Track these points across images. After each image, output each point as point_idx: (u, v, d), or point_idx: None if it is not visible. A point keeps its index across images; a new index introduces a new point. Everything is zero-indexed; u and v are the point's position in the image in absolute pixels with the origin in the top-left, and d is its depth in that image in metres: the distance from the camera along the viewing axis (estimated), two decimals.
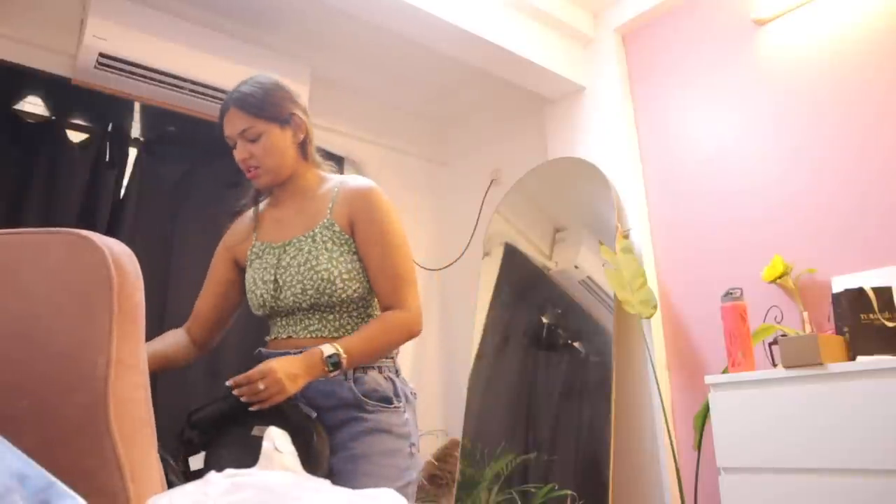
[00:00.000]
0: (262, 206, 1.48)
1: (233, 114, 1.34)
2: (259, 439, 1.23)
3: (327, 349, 1.23)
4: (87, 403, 0.61)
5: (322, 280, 1.29)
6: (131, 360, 0.65)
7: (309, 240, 1.34)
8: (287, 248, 1.36)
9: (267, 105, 1.34)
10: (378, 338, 1.31)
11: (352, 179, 1.41)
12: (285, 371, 1.18)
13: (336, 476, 1.24)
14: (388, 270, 1.33)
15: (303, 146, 1.41)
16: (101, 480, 0.59)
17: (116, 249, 0.67)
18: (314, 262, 1.31)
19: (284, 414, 1.21)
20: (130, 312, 0.66)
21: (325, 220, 1.35)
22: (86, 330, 0.63)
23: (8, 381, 0.62)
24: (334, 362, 1.23)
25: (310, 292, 1.31)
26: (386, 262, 1.33)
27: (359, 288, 1.33)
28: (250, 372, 1.18)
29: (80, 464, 0.59)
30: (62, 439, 0.60)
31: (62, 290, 0.64)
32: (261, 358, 1.34)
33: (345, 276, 1.31)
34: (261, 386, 1.16)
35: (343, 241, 1.33)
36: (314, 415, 1.27)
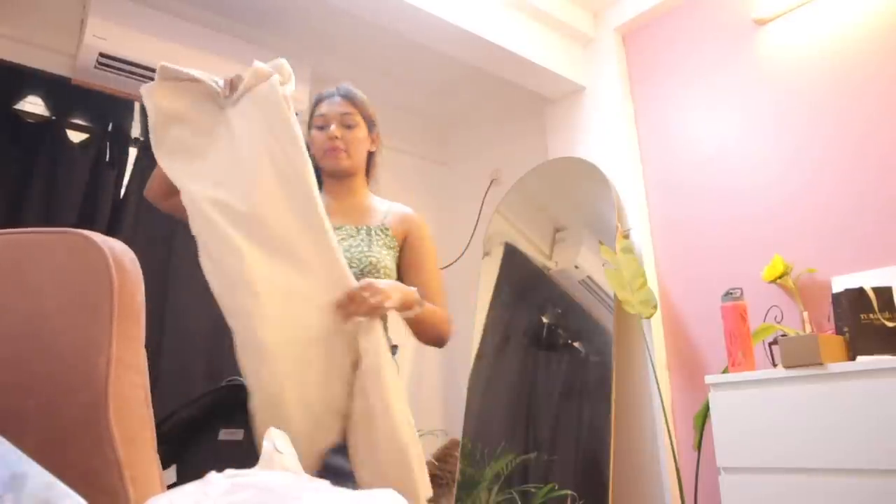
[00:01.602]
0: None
1: (341, 100, 1.50)
2: (227, 443, 1.24)
3: (416, 293, 1.34)
4: (87, 404, 0.61)
5: (370, 264, 1.38)
6: (132, 360, 0.65)
7: (363, 232, 1.44)
8: (337, 231, 1.41)
9: (366, 106, 1.54)
10: (435, 321, 1.41)
11: (397, 205, 1.56)
12: (387, 287, 1.24)
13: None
14: (434, 284, 1.48)
15: (370, 157, 1.58)
16: (102, 481, 0.59)
17: (118, 250, 0.67)
18: (366, 249, 1.40)
19: (251, 413, 1.21)
20: (131, 313, 0.66)
21: (381, 225, 1.47)
22: (87, 330, 0.63)
23: (12, 380, 0.62)
24: (419, 305, 1.33)
25: (354, 270, 1.34)
26: (433, 276, 1.49)
27: None
28: (348, 292, 1.19)
29: (81, 464, 0.59)
30: (63, 439, 0.60)
31: (64, 290, 0.64)
32: None
33: (388, 270, 1.41)
34: (365, 294, 1.18)
35: (392, 246, 1.46)
36: None
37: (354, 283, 1.20)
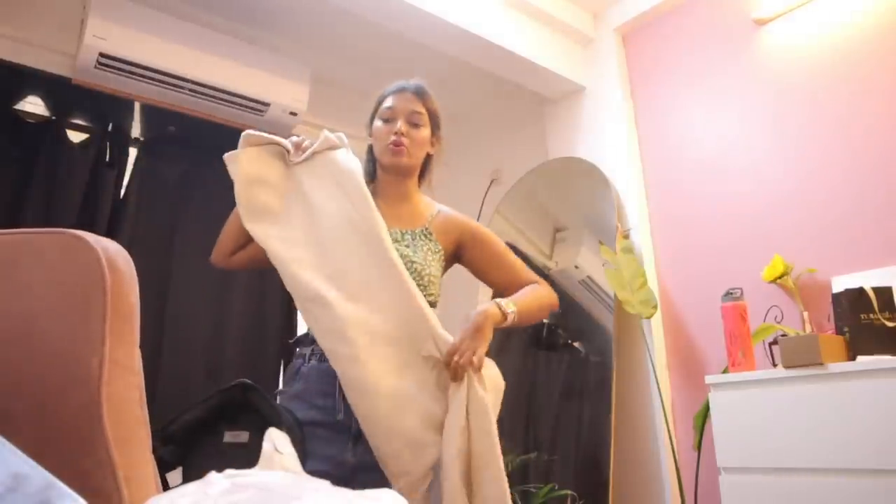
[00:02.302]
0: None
1: (412, 96, 1.48)
2: (232, 445, 1.25)
3: (501, 302, 1.35)
4: (80, 404, 0.61)
5: (415, 270, 1.37)
6: (126, 360, 0.65)
7: (409, 235, 1.43)
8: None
9: (435, 109, 1.52)
10: (537, 301, 1.45)
11: (445, 209, 1.55)
12: (469, 336, 1.27)
13: None
14: (517, 268, 1.53)
15: (427, 159, 1.54)
16: (96, 482, 0.59)
17: (111, 250, 0.66)
18: (411, 254, 1.39)
19: (259, 413, 1.22)
20: (125, 313, 0.65)
21: (424, 229, 1.46)
22: (80, 330, 0.62)
23: (3, 381, 0.61)
24: (511, 311, 1.35)
25: None
26: (511, 262, 1.53)
27: (434, 294, 1.40)
28: (444, 360, 1.26)
29: (74, 465, 0.59)
30: (56, 440, 0.60)
31: (57, 290, 0.64)
32: (300, 341, 1.40)
33: (432, 277, 1.40)
34: (456, 358, 1.24)
35: (436, 251, 1.45)
36: (286, 415, 1.28)
37: (430, 314, 1.28)
